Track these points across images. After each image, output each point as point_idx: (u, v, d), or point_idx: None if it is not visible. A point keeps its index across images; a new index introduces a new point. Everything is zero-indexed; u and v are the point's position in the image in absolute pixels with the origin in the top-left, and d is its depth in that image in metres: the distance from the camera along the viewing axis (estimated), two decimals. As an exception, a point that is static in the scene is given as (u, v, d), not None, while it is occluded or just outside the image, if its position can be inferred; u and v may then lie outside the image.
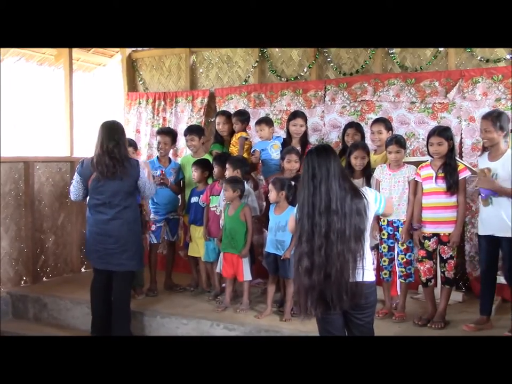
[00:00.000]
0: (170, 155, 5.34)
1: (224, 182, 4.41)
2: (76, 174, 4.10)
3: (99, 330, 4.07)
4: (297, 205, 2.72)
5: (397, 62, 5.14)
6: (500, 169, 3.67)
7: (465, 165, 4.02)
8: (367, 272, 2.70)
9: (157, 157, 5.10)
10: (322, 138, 5.31)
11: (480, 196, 3.81)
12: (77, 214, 5.80)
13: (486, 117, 3.78)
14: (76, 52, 6.41)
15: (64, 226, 5.79)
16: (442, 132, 3.87)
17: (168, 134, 5.07)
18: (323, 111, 5.35)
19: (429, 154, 3.97)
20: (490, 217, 3.72)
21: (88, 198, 4.09)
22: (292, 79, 5.64)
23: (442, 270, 3.94)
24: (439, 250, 3.93)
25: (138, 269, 4.36)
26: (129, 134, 5.96)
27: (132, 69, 6.66)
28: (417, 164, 4.12)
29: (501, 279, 3.90)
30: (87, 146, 5.86)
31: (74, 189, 4.08)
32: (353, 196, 2.62)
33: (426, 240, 3.94)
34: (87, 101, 7.18)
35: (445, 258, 3.90)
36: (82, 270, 5.98)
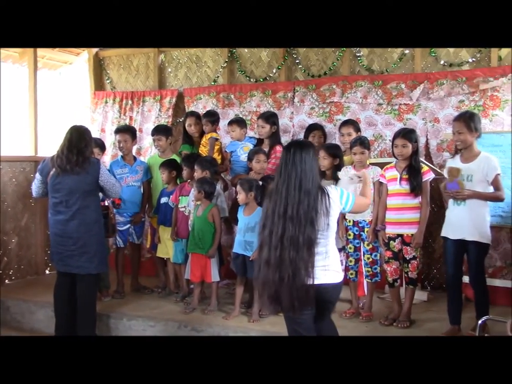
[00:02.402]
0: (134, 153, 5.28)
1: (194, 182, 4.40)
2: (37, 172, 4.06)
3: (63, 333, 3.97)
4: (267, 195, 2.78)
5: (363, 66, 5.20)
6: (476, 171, 3.64)
7: (430, 167, 4.08)
8: (333, 273, 2.73)
9: (121, 156, 5.04)
10: (292, 140, 5.33)
11: (447, 193, 3.74)
12: (41, 215, 5.67)
13: (458, 118, 3.75)
14: (41, 49, 6.27)
15: (28, 227, 5.66)
16: (407, 134, 3.91)
17: (127, 131, 5.01)
18: (292, 112, 5.37)
19: (393, 155, 4.02)
20: (460, 220, 3.68)
21: (49, 197, 4.02)
22: (261, 80, 5.65)
23: (406, 271, 3.97)
24: (403, 251, 3.97)
25: (103, 271, 4.28)
26: (95, 133, 5.85)
27: (99, 67, 6.56)
28: (383, 165, 4.17)
29: (464, 279, 3.92)
30: (52, 146, 5.74)
31: (35, 186, 4.06)
32: (316, 196, 2.65)
33: (391, 241, 3.97)
34: (53, 99, 7.04)
35: (408, 258, 3.94)
36: (47, 272, 5.85)
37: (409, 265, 3.94)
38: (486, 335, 3.30)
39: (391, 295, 4.18)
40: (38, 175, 4.02)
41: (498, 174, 3.64)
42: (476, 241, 3.64)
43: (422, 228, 3.90)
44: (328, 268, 2.72)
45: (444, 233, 3.86)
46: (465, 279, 3.90)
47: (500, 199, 3.74)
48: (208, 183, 4.32)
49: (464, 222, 3.66)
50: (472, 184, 3.65)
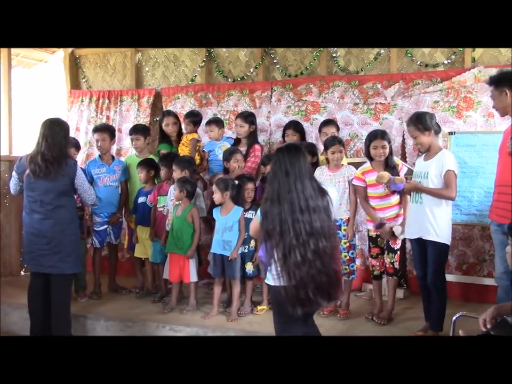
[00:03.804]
0: (113, 153, 5.23)
1: (174, 182, 4.37)
2: (13, 170, 4.01)
3: (39, 335, 3.92)
4: (265, 201, 2.78)
5: (339, 66, 5.25)
6: (431, 168, 3.62)
7: (400, 162, 4.16)
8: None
9: (99, 155, 4.99)
10: (269, 139, 5.35)
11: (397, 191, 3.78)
12: (16, 215, 5.57)
13: (408, 124, 3.76)
14: (16, 47, 6.18)
15: (3, 227, 5.56)
16: (385, 135, 3.98)
17: (105, 130, 4.97)
18: (269, 112, 5.38)
19: (368, 156, 4.03)
20: (418, 219, 3.64)
21: (24, 196, 3.97)
22: (239, 79, 5.66)
23: (392, 261, 4.00)
24: (390, 242, 4.00)
25: (80, 272, 4.23)
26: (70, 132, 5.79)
27: (74, 66, 6.49)
28: (359, 164, 4.19)
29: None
30: (27, 145, 5.64)
31: (13, 184, 3.99)
32: (320, 194, 2.74)
33: (379, 239, 4.04)
34: (27, 98, 6.92)
35: (395, 249, 3.99)
36: (22, 273, 5.76)
37: (395, 255, 4.00)
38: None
39: (375, 289, 4.18)
40: (14, 173, 3.96)
41: (450, 171, 3.53)
42: (434, 241, 3.58)
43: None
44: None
45: (405, 234, 3.87)
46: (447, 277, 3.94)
47: (446, 197, 3.57)
48: (190, 183, 4.31)
49: (420, 221, 3.62)
50: (428, 180, 3.62)
